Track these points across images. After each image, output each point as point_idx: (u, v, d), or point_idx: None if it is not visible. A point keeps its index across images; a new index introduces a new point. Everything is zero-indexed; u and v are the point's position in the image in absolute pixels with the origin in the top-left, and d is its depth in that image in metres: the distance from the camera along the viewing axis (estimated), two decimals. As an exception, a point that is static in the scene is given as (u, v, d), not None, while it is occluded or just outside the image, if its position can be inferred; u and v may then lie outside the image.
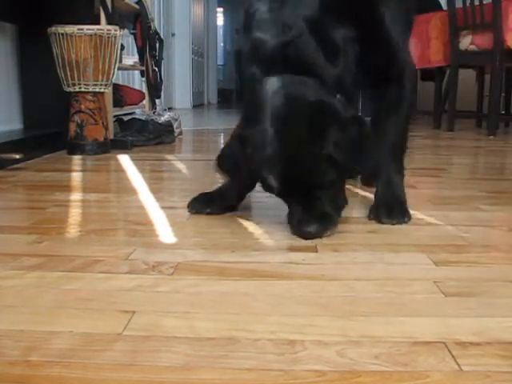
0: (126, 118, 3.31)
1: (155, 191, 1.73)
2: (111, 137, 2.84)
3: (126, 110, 3.68)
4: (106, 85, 2.67)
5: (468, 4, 3.79)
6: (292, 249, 1.14)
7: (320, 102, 1.14)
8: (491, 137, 3.68)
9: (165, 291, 0.91)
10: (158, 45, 3.72)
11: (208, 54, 9.80)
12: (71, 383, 0.63)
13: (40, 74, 2.86)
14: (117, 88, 3.34)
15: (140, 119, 3.20)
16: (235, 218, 1.39)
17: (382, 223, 1.32)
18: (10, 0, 2.65)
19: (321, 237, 1.18)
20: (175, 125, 3.33)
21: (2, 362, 0.67)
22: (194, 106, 8.20)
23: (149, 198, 1.63)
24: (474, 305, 0.86)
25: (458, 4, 3.91)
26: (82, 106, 2.61)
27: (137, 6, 3.58)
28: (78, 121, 2.60)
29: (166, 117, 3.29)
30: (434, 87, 4.66)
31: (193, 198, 1.45)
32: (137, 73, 4.63)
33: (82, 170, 2.22)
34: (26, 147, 2.38)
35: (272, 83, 1.15)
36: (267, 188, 1.22)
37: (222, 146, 1.35)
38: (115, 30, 2.65)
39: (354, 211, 1.45)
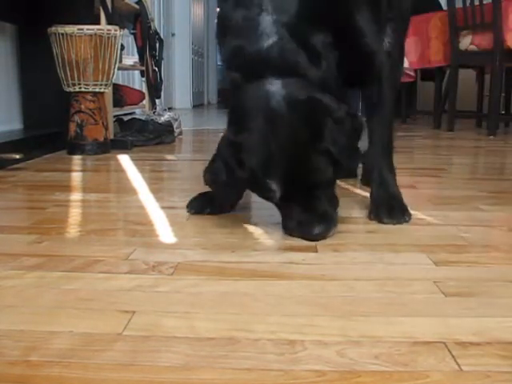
0: (126, 118, 3.31)
1: (155, 191, 1.73)
2: (111, 137, 2.84)
3: (126, 110, 3.68)
4: (106, 85, 2.67)
5: (468, 4, 3.79)
6: (292, 249, 1.14)
7: (312, 98, 1.14)
8: (491, 137, 3.68)
9: (165, 291, 0.91)
10: (158, 45, 3.71)
11: (208, 54, 9.80)
12: (71, 383, 0.63)
13: (40, 74, 2.86)
14: (117, 88, 3.34)
15: (140, 119, 3.20)
16: (235, 217, 1.39)
17: (384, 223, 1.33)
18: (10, 0, 2.65)
19: (325, 237, 1.18)
20: (175, 125, 3.33)
21: (2, 361, 0.67)
22: (194, 106, 8.20)
23: (149, 198, 1.63)
24: (474, 305, 0.86)
25: (458, 4, 3.91)
26: (82, 106, 2.61)
27: (137, 6, 3.58)
28: (78, 121, 2.60)
29: (166, 117, 3.29)
30: (434, 87, 4.66)
31: (192, 198, 1.45)
32: (137, 73, 4.64)
33: (82, 170, 2.22)
34: (26, 147, 2.38)
35: (261, 86, 1.15)
36: (264, 193, 1.20)
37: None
38: (115, 30, 2.65)
39: (354, 211, 1.45)
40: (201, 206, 1.42)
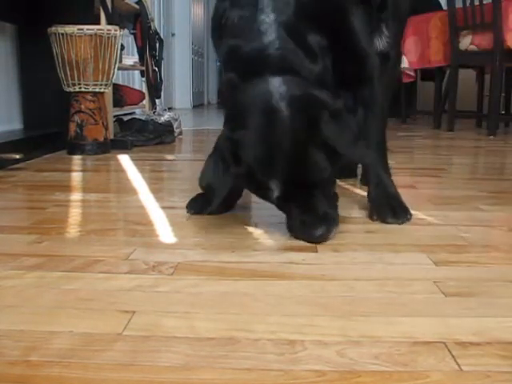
0: (125, 118, 3.31)
1: (155, 191, 1.73)
2: (111, 137, 2.84)
3: (126, 109, 3.68)
4: (106, 85, 2.67)
5: (468, 4, 3.79)
6: (292, 249, 1.14)
7: (308, 93, 1.14)
8: (491, 137, 3.68)
9: (165, 291, 0.91)
10: (158, 45, 3.72)
11: (208, 54, 9.80)
12: (71, 383, 0.63)
13: (40, 74, 2.86)
14: (117, 88, 3.34)
15: (140, 119, 3.20)
16: (235, 217, 1.39)
17: (388, 223, 1.33)
18: (10, 0, 2.65)
19: (326, 239, 1.18)
20: (175, 125, 3.33)
21: (2, 361, 0.67)
22: (194, 106, 8.20)
23: (149, 198, 1.63)
24: (474, 305, 0.86)
25: (458, 4, 3.91)
26: (82, 106, 2.61)
27: (137, 6, 3.58)
28: (78, 121, 2.60)
29: (166, 117, 3.29)
30: (434, 87, 4.66)
31: (191, 199, 1.45)
32: (137, 73, 4.64)
33: (82, 170, 2.22)
34: (26, 147, 2.38)
35: (259, 84, 1.15)
36: (262, 192, 1.19)
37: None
38: (115, 30, 2.65)
39: (354, 211, 1.45)
40: (200, 206, 1.42)
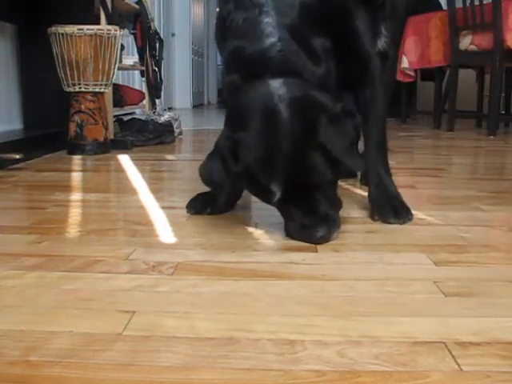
0: (125, 118, 3.31)
1: (155, 191, 1.73)
2: (111, 137, 2.84)
3: (126, 109, 3.68)
4: (106, 85, 2.67)
5: (468, 4, 3.79)
6: (292, 249, 1.14)
7: (308, 95, 1.15)
8: (491, 137, 3.68)
9: (165, 291, 0.91)
10: (158, 45, 3.72)
11: (208, 54, 9.80)
12: (71, 383, 0.63)
13: (40, 74, 2.86)
14: (117, 88, 3.34)
15: (140, 119, 3.20)
16: (235, 217, 1.39)
17: (390, 223, 1.33)
18: (10, 0, 2.65)
19: (328, 241, 1.17)
20: (175, 125, 3.33)
21: (2, 361, 0.67)
22: (194, 106, 8.20)
23: (149, 198, 1.63)
24: (474, 305, 0.86)
25: (458, 4, 3.91)
26: (82, 106, 2.61)
27: (137, 6, 3.58)
28: (78, 121, 2.60)
29: (166, 117, 3.29)
30: (434, 87, 4.66)
31: (191, 199, 1.45)
32: (137, 73, 4.64)
33: (82, 170, 2.22)
34: (26, 147, 2.38)
35: (261, 86, 1.15)
36: (263, 194, 1.19)
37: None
38: (115, 30, 2.65)
39: (354, 211, 1.45)
40: (200, 206, 1.42)
